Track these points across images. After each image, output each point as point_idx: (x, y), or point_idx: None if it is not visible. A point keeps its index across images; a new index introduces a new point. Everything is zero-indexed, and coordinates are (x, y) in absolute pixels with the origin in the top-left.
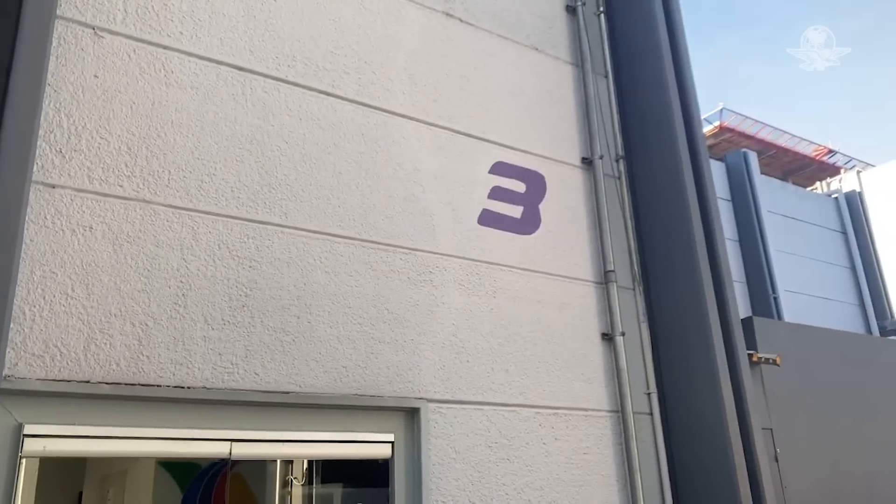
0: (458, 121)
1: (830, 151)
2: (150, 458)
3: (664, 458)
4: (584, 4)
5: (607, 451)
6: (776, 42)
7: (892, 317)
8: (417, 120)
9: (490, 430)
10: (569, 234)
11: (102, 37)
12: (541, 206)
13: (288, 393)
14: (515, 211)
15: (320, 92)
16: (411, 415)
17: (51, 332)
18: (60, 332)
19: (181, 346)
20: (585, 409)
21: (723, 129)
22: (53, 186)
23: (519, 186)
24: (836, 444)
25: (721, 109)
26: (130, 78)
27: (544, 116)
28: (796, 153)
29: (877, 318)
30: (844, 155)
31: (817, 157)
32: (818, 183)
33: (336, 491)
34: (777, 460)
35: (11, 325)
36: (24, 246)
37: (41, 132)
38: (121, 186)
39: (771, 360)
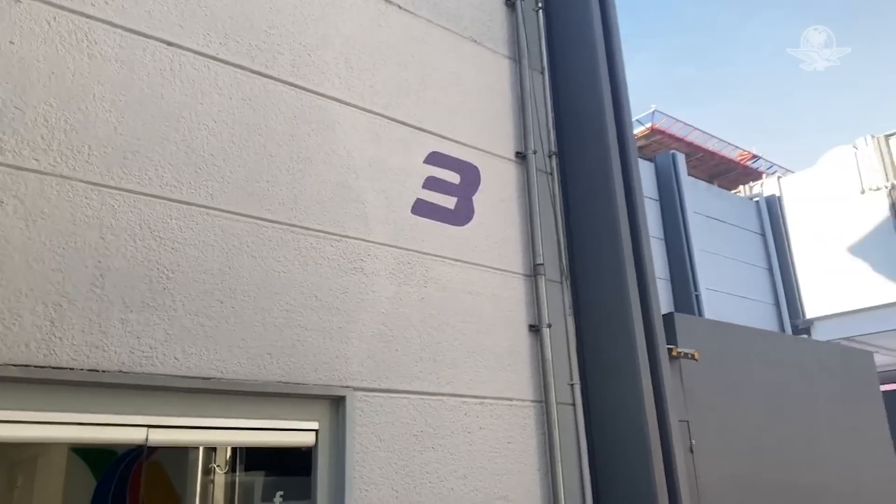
0: (395, 109)
1: (754, 157)
2: (63, 444)
3: (585, 448)
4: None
5: (531, 440)
6: (708, 48)
7: (804, 316)
8: (353, 105)
9: (416, 419)
10: (501, 227)
11: (20, 1)
12: (474, 198)
13: (209, 379)
14: (449, 202)
15: (253, 72)
16: (336, 403)
17: None
18: None
19: (97, 329)
20: (511, 399)
21: (654, 131)
22: None
23: (453, 177)
24: (748, 436)
25: (653, 111)
26: (50, 47)
27: (481, 109)
28: (722, 157)
29: (790, 317)
30: (767, 161)
31: (742, 162)
32: (741, 186)
33: (260, 479)
34: (692, 451)
35: None
36: None
37: None
38: (36, 160)
39: (689, 355)
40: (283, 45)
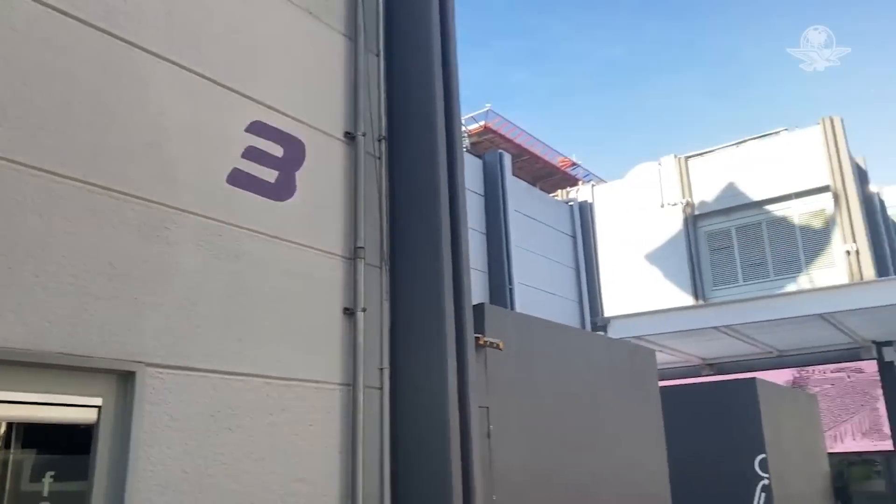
0: (219, 71)
1: (574, 164)
2: None
3: (387, 431)
4: None
5: (334, 423)
6: (544, 54)
7: (603, 314)
8: (171, 62)
9: (214, 399)
10: (323, 206)
11: None
12: (297, 174)
13: None
14: (270, 175)
15: (57, 10)
16: (125, 378)
17: None
18: None
19: None
20: (318, 382)
21: (486, 129)
22: None
23: (276, 150)
24: (542, 423)
25: (487, 110)
26: None
27: (312, 84)
28: (546, 161)
29: (591, 315)
30: (584, 168)
31: (562, 168)
32: (560, 191)
33: (39, 457)
34: (489, 436)
35: None
36: None
37: None
38: None
39: (494, 344)
40: None
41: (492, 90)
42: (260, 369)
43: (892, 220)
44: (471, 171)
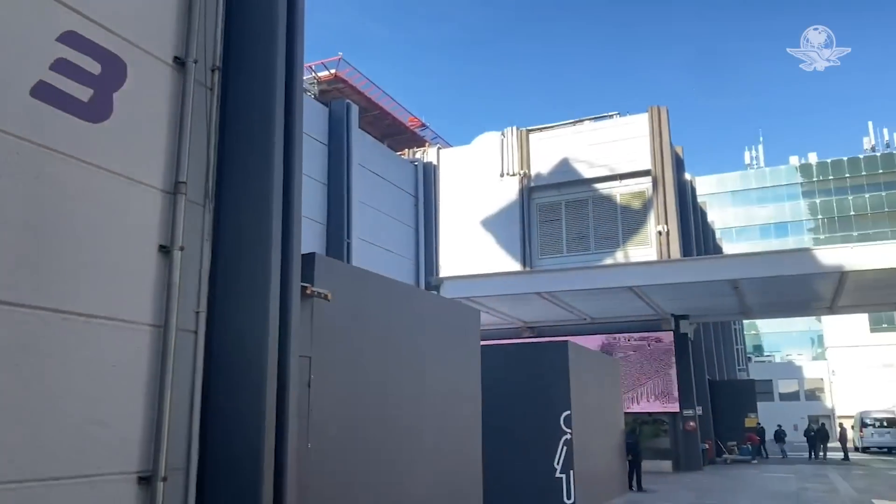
0: None
1: (423, 125)
2: None
3: (199, 377)
4: None
5: (141, 365)
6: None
7: (437, 274)
8: None
9: (1, 333)
10: (143, 134)
11: None
12: (115, 95)
13: None
14: (83, 93)
15: None
16: None
17: None
18: None
19: None
20: (124, 321)
21: (337, 78)
22: None
23: (93, 67)
24: (366, 375)
25: (340, 59)
26: None
27: None
28: (395, 118)
29: (426, 274)
30: (433, 131)
31: (411, 128)
32: (407, 150)
33: None
34: (310, 386)
35: None
36: None
37: None
38: None
39: (322, 295)
40: None
41: (350, 42)
42: (57, 304)
43: (700, 208)
44: (316, 118)
